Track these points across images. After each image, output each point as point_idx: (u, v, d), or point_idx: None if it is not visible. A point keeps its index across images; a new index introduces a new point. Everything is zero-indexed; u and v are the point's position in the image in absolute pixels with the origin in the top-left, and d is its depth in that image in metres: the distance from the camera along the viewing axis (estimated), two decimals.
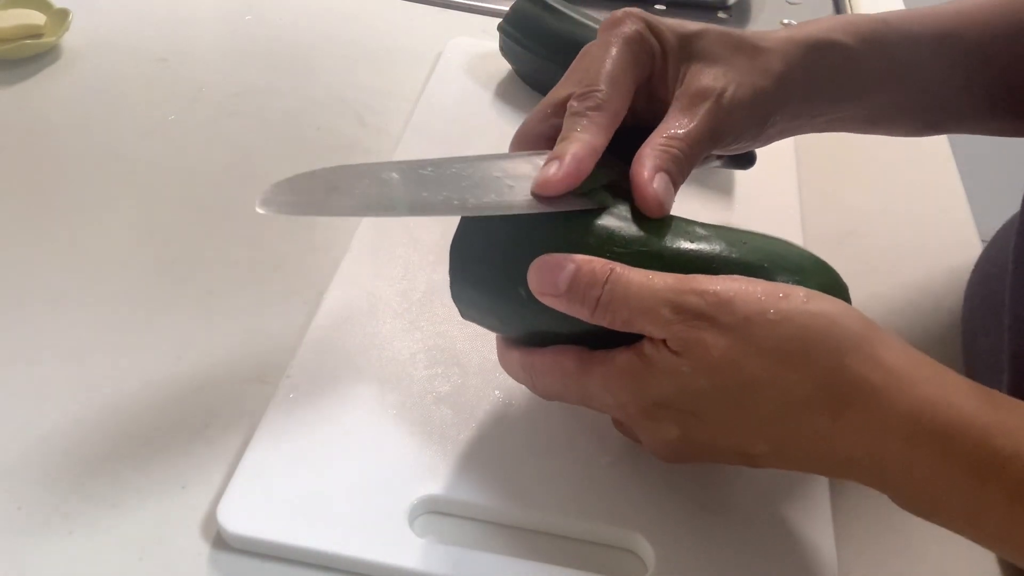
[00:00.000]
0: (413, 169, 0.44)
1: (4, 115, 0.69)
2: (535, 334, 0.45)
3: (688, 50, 0.49)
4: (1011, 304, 0.50)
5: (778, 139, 0.52)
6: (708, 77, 0.47)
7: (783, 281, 0.42)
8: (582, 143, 0.44)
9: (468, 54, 0.79)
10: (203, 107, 0.72)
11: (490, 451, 0.48)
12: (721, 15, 0.89)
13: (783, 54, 0.50)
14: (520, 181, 0.44)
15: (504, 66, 0.77)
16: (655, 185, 0.44)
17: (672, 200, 0.45)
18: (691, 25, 0.49)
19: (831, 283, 0.44)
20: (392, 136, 0.70)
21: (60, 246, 0.59)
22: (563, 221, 0.44)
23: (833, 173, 0.71)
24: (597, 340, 0.43)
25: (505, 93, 0.75)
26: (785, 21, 0.89)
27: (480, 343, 0.53)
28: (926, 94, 0.55)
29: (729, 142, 0.49)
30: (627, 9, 0.48)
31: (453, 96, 0.74)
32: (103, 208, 0.63)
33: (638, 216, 0.44)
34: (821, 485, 0.48)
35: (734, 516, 0.46)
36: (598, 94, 0.46)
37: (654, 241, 0.43)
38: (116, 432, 0.49)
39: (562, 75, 0.72)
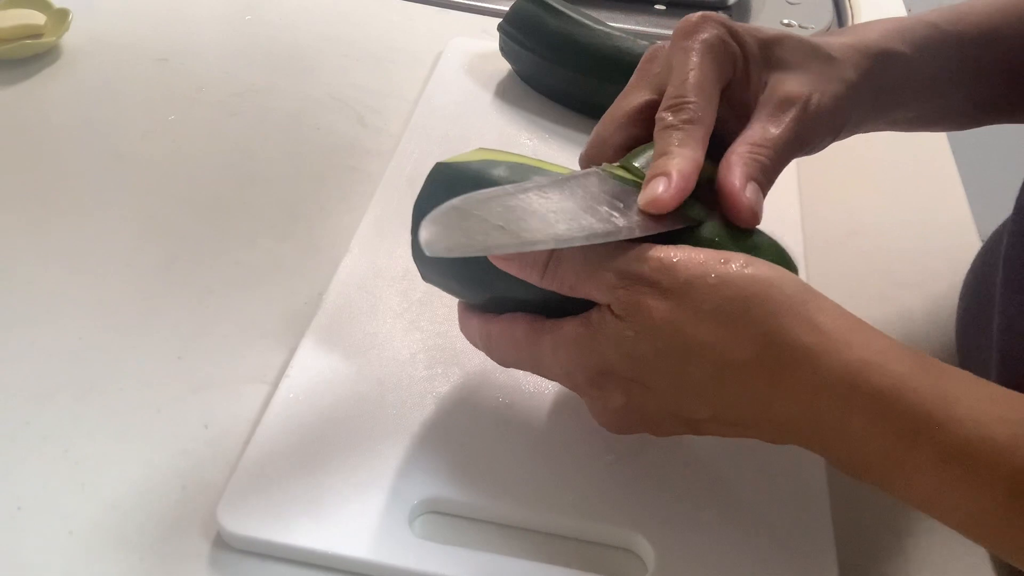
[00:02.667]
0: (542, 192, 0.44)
1: (4, 115, 0.69)
2: (493, 299, 0.46)
3: (769, 56, 0.48)
4: (1001, 304, 0.50)
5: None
6: (792, 84, 0.47)
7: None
8: (685, 159, 0.43)
9: (468, 54, 0.79)
10: (203, 107, 0.72)
11: (490, 451, 0.48)
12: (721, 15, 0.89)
13: (855, 64, 0.50)
14: (625, 199, 0.44)
15: (504, 66, 0.77)
16: (748, 194, 0.44)
17: (761, 208, 0.44)
18: (768, 30, 0.49)
19: (779, 258, 0.44)
20: (392, 136, 0.70)
21: (60, 246, 0.59)
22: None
23: (833, 173, 0.71)
24: (553, 307, 0.43)
25: (505, 93, 0.75)
26: (785, 21, 0.89)
27: None
28: (973, 91, 0.56)
29: (812, 149, 0.49)
30: (704, 13, 0.47)
31: (453, 96, 0.74)
32: (103, 208, 0.63)
33: None
34: (821, 484, 0.48)
35: (734, 516, 0.46)
36: (691, 106, 0.45)
37: None
38: (116, 432, 0.49)
39: (562, 75, 0.73)
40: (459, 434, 0.49)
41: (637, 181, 0.45)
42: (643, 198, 0.43)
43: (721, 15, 0.48)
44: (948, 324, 0.60)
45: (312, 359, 0.52)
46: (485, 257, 0.43)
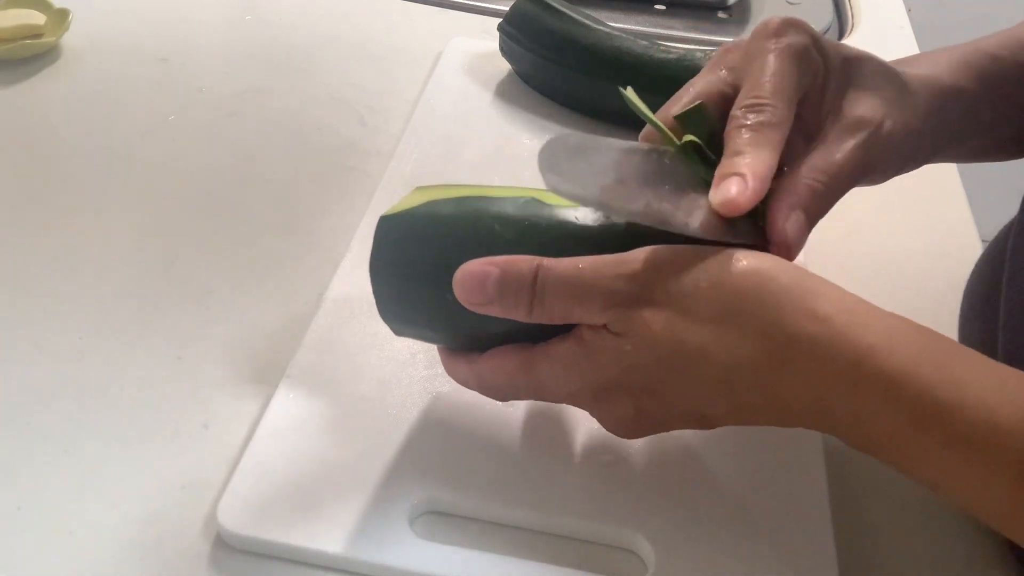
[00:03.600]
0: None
1: (4, 115, 0.69)
2: (472, 338, 0.45)
3: (848, 73, 0.47)
4: (1006, 303, 0.50)
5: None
6: (865, 106, 0.46)
7: None
8: (762, 162, 0.42)
9: (468, 54, 0.79)
10: (203, 107, 0.72)
11: (490, 451, 0.48)
12: (721, 15, 0.89)
13: (927, 98, 0.48)
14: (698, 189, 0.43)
15: (504, 66, 0.77)
16: (788, 226, 0.42)
17: (803, 241, 0.43)
18: (851, 49, 0.48)
19: None
20: (392, 136, 0.70)
21: (60, 246, 0.59)
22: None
23: None
24: (537, 333, 0.42)
25: (505, 93, 0.75)
26: None
27: None
28: None
29: (874, 179, 0.48)
30: (791, 19, 0.46)
31: (453, 96, 0.74)
32: (103, 208, 0.63)
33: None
34: (821, 483, 0.48)
35: (734, 516, 0.46)
36: (770, 109, 0.43)
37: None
38: (116, 432, 0.49)
39: (562, 75, 0.73)
40: (459, 434, 0.49)
41: (706, 175, 0.44)
42: (716, 197, 0.42)
43: (805, 22, 0.46)
44: (949, 324, 0.60)
45: (312, 359, 0.52)
46: (455, 298, 0.42)
